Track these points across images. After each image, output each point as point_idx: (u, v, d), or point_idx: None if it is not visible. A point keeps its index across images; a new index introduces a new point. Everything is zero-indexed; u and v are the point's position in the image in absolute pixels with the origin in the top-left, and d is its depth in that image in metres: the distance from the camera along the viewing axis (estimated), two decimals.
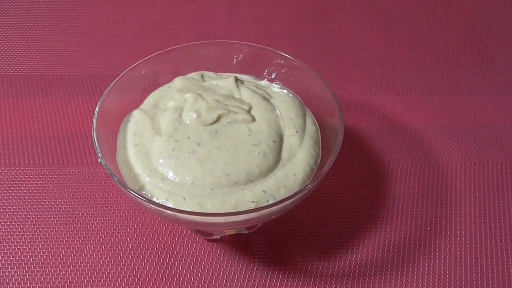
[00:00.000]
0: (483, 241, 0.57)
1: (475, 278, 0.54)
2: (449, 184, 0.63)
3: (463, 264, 0.55)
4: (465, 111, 0.72)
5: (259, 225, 0.57)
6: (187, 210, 0.46)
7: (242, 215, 0.45)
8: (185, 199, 0.47)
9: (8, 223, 0.57)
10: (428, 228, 0.58)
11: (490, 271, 0.55)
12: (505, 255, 0.56)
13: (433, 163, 0.65)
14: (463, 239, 0.57)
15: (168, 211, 0.45)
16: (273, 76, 0.61)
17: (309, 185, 0.47)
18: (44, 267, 0.54)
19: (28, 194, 0.60)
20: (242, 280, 0.54)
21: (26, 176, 0.62)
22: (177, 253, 0.55)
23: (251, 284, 0.53)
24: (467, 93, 0.74)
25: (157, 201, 0.47)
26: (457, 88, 0.75)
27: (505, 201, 0.61)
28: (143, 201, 0.45)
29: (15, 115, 0.69)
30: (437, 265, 0.55)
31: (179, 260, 0.55)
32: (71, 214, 0.58)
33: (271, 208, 0.45)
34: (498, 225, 0.59)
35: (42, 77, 0.75)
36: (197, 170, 0.49)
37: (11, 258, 0.54)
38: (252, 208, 0.47)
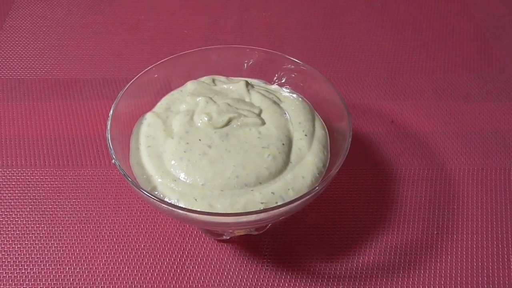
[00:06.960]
0: (489, 246, 0.58)
1: (481, 282, 0.55)
2: (457, 189, 0.63)
3: (469, 268, 0.56)
4: (473, 117, 0.72)
5: (268, 227, 0.58)
6: (198, 210, 0.47)
7: (251, 216, 0.46)
8: (196, 199, 0.48)
9: (24, 222, 0.59)
10: (435, 232, 0.59)
11: (496, 275, 0.55)
12: None
13: (441, 168, 0.65)
14: (470, 243, 0.58)
15: (180, 211, 0.46)
16: (283, 81, 0.62)
17: (317, 187, 0.48)
18: (59, 265, 0.55)
19: (43, 194, 0.61)
20: (251, 280, 0.55)
21: (41, 177, 0.63)
22: (187, 253, 0.56)
23: (259, 284, 0.54)
24: (476, 99, 0.75)
25: (169, 201, 0.49)
26: (466, 94, 0.76)
27: None
28: (155, 201, 0.46)
29: (31, 117, 0.70)
30: (443, 268, 0.56)
31: (190, 260, 0.56)
32: (85, 214, 0.59)
33: (280, 209, 0.46)
34: (505, 230, 0.59)
35: (57, 81, 0.76)
36: (208, 172, 0.50)
37: (27, 256, 0.56)
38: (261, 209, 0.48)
